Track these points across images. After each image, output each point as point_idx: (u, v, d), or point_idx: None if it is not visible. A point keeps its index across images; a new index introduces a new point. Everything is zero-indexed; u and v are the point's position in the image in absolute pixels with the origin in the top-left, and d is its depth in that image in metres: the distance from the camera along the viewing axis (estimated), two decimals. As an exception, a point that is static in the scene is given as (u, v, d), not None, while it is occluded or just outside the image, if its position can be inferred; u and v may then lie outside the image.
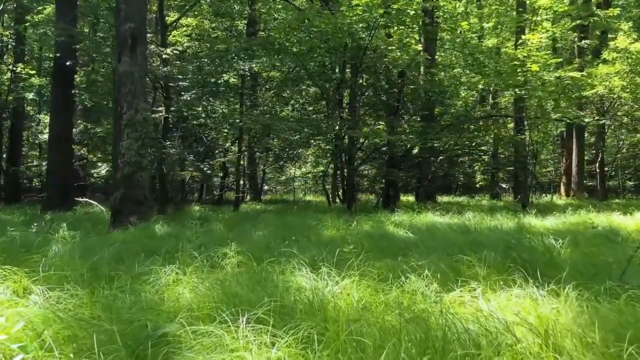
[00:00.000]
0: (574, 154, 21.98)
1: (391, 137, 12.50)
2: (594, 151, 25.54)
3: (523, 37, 11.16)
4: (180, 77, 14.34)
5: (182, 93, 14.03)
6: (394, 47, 14.61)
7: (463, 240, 6.54)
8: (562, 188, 23.53)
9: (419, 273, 4.03)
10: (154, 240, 6.17)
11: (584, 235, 7.10)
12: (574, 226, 8.66)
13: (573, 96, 12.74)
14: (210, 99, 15.22)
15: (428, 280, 3.89)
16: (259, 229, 8.11)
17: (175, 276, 3.64)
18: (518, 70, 11.56)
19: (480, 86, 18.62)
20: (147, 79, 16.34)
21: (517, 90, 11.79)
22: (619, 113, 19.97)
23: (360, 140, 16.17)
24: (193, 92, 14.01)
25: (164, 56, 13.54)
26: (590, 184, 24.88)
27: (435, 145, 13.73)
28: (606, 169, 25.05)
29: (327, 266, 3.85)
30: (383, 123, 15.61)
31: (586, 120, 12.85)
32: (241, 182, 23.17)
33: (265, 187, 27.68)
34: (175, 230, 7.11)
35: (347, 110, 15.22)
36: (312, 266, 4.43)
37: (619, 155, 26.78)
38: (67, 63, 13.71)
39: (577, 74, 11.29)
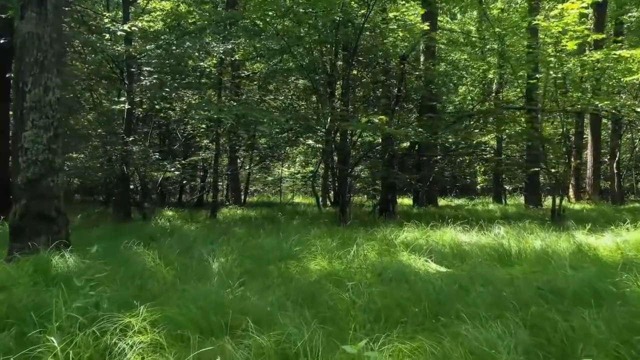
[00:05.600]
0: (588, 152, 19.84)
1: (395, 131, 10.23)
2: (603, 150, 23.50)
3: (560, 6, 8.94)
4: (145, 60, 11.95)
5: (142, 78, 11.56)
6: (395, 27, 12.37)
7: (524, 280, 4.28)
8: (571, 190, 21.38)
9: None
10: (33, 288, 3.83)
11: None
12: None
13: (610, 82, 10.64)
14: (176, 84, 12.76)
15: None
16: (220, 255, 5.80)
17: None
18: (550, 50, 9.39)
19: (490, 75, 16.43)
20: (107, 63, 14.01)
21: (551, 73, 9.54)
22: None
23: (354, 138, 13.92)
24: (155, 76, 11.54)
25: (119, 33, 11.12)
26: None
27: (451, 140, 11.43)
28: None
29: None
30: (382, 116, 13.32)
31: (638, 110, 10.69)
32: (222, 183, 20.81)
33: (252, 189, 25.34)
34: (87, 262, 4.77)
35: (340, 101, 12.91)
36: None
37: (631, 154, 24.72)
38: (1, 41, 11.24)
39: (626, 53, 9.11)
